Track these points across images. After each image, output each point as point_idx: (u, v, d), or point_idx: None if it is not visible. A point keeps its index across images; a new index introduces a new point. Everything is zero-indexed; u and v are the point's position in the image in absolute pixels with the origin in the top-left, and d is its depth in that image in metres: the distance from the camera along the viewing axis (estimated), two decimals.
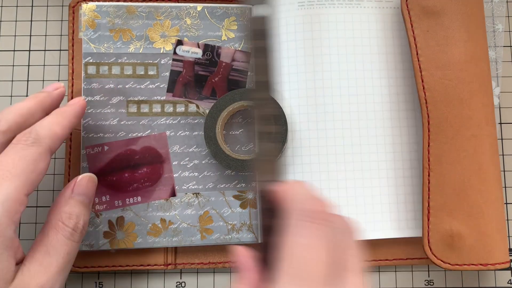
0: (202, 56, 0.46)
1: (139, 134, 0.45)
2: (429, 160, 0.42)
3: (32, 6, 0.50)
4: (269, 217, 0.32)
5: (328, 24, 0.45)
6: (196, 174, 0.45)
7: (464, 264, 0.41)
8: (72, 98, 0.46)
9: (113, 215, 0.44)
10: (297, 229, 0.29)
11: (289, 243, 0.28)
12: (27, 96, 0.48)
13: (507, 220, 0.47)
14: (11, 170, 0.33)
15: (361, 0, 0.46)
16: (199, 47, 0.46)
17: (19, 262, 0.34)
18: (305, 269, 0.27)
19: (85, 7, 0.46)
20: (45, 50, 0.49)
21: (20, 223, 0.46)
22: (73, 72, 0.46)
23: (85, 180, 0.39)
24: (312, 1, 0.45)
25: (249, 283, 0.31)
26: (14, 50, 0.49)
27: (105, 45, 0.45)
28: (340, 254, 0.29)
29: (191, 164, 0.45)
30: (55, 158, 0.47)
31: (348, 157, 0.45)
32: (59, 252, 0.35)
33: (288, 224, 0.29)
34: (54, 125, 0.37)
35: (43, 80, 0.48)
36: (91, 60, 0.45)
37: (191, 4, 0.46)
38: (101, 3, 0.46)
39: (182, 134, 0.45)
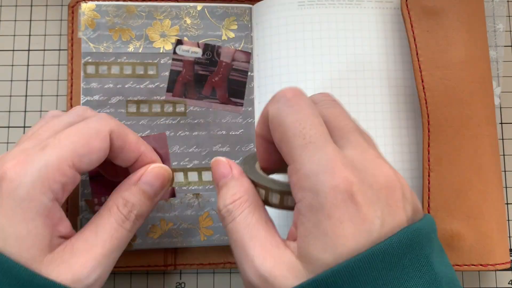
0: (202, 55, 0.46)
1: (138, 134, 0.44)
2: (429, 161, 0.42)
3: (31, 5, 0.50)
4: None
5: (328, 24, 0.45)
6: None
7: (464, 265, 0.41)
8: (71, 98, 0.46)
9: None
10: (289, 110, 0.31)
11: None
12: (26, 96, 0.48)
13: (508, 220, 0.47)
14: (61, 139, 0.33)
15: (361, 0, 0.46)
16: (199, 47, 0.46)
17: (66, 238, 0.33)
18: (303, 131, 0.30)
19: (85, 6, 0.46)
20: (44, 50, 0.49)
21: None
22: (72, 72, 0.46)
23: (156, 170, 0.37)
24: (312, 1, 0.45)
25: (250, 187, 0.33)
26: (13, 50, 0.49)
27: (105, 44, 0.45)
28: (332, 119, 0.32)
29: (191, 164, 0.45)
30: None
31: None
32: (107, 235, 0.33)
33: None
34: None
35: (43, 80, 0.48)
36: (90, 60, 0.45)
37: (191, 4, 0.46)
38: (100, 2, 0.46)
39: (182, 134, 0.45)
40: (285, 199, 0.32)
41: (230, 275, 0.46)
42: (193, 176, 0.44)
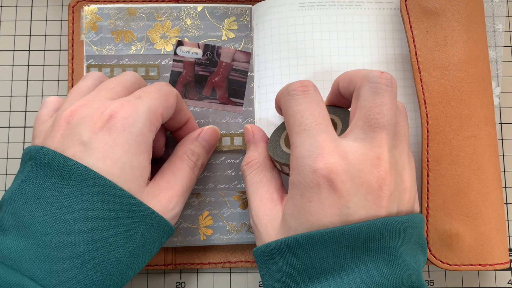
0: (202, 56, 0.46)
1: None
2: (428, 161, 0.42)
3: (31, 6, 0.50)
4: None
5: (329, 25, 0.45)
6: None
7: (463, 265, 0.41)
8: None
9: None
10: (294, 102, 0.35)
11: (291, 113, 0.35)
12: (26, 96, 0.48)
13: (507, 220, 0.47)
14: (150, 93, 0.37)
15: (361, 1, 0.46)
16: (199, 48, 0.46)
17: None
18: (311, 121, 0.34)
19: (87, 9, 0.46)
20: (44, 50, 0.49)
21: None
22: (73, 72, 0.46)
23: (211, 130, 0.43)
24: (313, 2, 0.45)
25: (263, 152, 0.41)
26: (13, 50, 0.49)
27: (107, 47, 0.45)
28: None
29: None
30: None
31: None
32: (183, 177, 0.39)
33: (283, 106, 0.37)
34: None
35: (43, 80, 0.48)
36: (93, 63, 0.45)
37: (191, 5, 0.46)
38: (102, 5, 0.46)
39: None
40: (283, 168, 0.39)
41: (230, 275, 0.46)
42: (226, 141, 0.46)
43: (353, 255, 0.31)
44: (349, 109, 0.40)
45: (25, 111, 0.48)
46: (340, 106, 0.41)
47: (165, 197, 0.37)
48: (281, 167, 0.39)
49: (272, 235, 0.35)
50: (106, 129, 0.34)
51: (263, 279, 0.36)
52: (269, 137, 0.42)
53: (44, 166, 0.33)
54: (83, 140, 0.34)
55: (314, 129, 0.33)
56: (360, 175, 0.32)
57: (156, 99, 0.37)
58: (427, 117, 0.42)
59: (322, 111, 0.35)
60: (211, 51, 0.46)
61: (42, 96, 0.48)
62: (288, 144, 0.40)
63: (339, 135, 0.37)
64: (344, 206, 0.31)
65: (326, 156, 0.32)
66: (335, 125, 0.39)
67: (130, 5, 0.46)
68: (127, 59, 0.46)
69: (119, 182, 0.34)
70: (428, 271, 0.46)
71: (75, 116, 0.35)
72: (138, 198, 0.35)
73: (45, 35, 0.49)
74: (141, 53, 0.46)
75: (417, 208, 0.36)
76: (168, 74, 0.46)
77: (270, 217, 0.36)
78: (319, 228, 0.32)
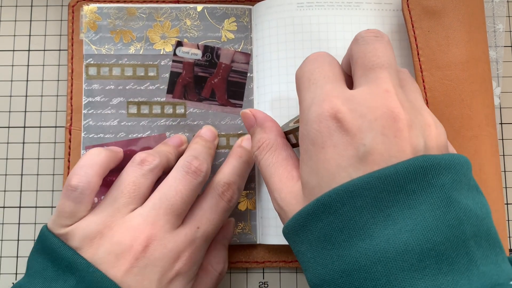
0: (201, 57, 0.46)
1: (139, 135, 0.45)
2: None
3: (31, 6, 0.50)
4: None
5: (327, 26, 0.45)
6: None
7: None
8: (71, 98, 0.46)
9: None
10: (307, 61, 0.34)
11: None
12: (26, 96, 0.48)
13: (508, 220, 0.47)
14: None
15: (360, 1, 0.46)
16: (198, 48, 0.46)
17: None
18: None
19: (86, 9, 0.46)
20: (44, 50, 0.49)
21: (19, 223, 0.46)
22: (72, 72, 0.46)
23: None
24: (311, 2, 0.45)
25: (272, 131, 0.37)
26: (13, 50, 0.49)
27: (106, 46, 0.45)
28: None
29: None
30: (54, 159, 0.47)
31: None
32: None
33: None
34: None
35: (43, 80, 0.48)
36: (92, 62, 0.45)
37: (191, 5, 0.46)
38: (102, 4, 0.46)
39: None
40: (290, 137, 0.37)
41: (230, 275, 0.46)
42: (222, 141, 0.45)
43: (396, 200, 0.27)
44: None
45: (25, 111, 0.48)
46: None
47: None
48: (288, 138, 0.38)
49: (298, 209, 0.32)
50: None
51: (298, 255, 0.32)
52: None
53: None
54: None
55: (321, 81, 0.32)
56: (371, 111, 0.29)
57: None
58: None
59: (333, 69, 0.33)
60: (210, 52, 0.46)
61: (41, 96, 0.48)
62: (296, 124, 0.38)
63: None
64: (360, 144, 0.29)
65: (332, 99, 0.30)
66: None
67: (129, 5, 0.46)
68: (126, 59, 0.46)
69: None
70: None
71: (147, 254, 0.36)
72: None
73: (45, 35, 0.49)
74: (140, 53, 0.46)
75: (452, 150, 0.34)
76: (167, 75, 0.46)
77: (294, 194, 0.33)
78: (339, 175, 0.29)
